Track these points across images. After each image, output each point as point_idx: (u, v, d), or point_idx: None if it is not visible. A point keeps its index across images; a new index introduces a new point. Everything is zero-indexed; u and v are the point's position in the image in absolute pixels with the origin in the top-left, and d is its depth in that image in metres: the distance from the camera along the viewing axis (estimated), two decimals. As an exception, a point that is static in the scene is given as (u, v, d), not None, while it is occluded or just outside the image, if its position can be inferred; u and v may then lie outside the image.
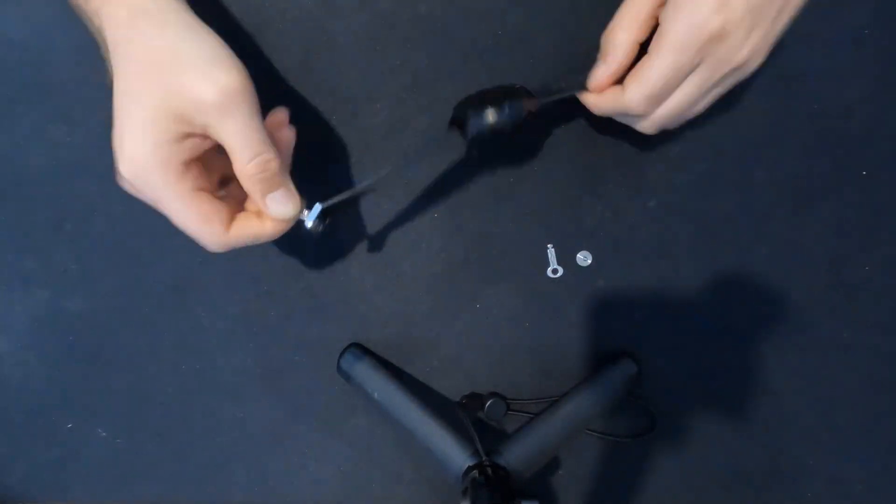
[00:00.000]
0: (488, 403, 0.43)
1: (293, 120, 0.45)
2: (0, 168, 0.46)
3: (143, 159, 0.31)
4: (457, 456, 0.41)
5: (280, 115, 0.38)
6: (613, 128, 0.41)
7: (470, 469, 0.40)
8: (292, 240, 0.41)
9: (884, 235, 0.44)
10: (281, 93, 0.44)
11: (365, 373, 0.44)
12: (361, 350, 0.46)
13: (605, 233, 0.45)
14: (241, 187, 0.34)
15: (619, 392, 0.44)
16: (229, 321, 0.47)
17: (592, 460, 0.46)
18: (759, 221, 0.44)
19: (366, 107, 0.44)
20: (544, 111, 0.39)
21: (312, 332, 0.46)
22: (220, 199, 0.35)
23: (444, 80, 0.44)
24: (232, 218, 0.35)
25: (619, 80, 0.36)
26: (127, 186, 0.33)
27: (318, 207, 0.36)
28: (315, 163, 0.44)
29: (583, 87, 0.38)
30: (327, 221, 0.37)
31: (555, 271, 0.45)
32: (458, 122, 0.39)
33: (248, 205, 0.37)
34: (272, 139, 0.34)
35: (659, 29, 0.34)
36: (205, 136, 0.32)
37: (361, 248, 0.45)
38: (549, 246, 0.45)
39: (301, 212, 0.35)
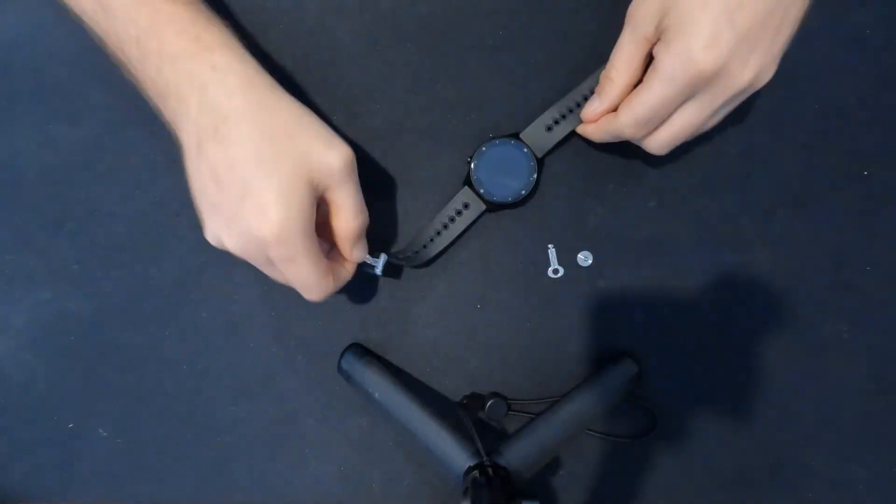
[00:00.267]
0: (489, 403, 0.43)
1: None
2: (2, 168, 0.46)
3: (291, 224, 0.33)
4: (457, 456, 0.41)
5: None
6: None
7: (470, 469, 0.39)
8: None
9: (885, 235, 0.44)
10: (281, 93, 0.44)
11: (365, 373, 0.44)
12: (362, 350, 0.46)
13: (606, 233, 0.45)
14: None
15: (620, 392, 0.44)
16: (230, 321, 0.47)
17: (593, 460, 0.46)
18: (759, 221, 0.44)
19: (366, 107, 0.45)
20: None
21: (313, 333, 0.46)
22: None
23: (444, 81, 0.44)
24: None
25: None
26: (245, 247, 0.34)
27: (384, 258, 0.41)
28: (315, 163, 0.44)
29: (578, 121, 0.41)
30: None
31: (555, 271, 0.45)
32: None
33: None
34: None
35: (653, 62, 0.35)
36: (322, 200, 0.36)
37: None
38: (549, 246, 0.45)
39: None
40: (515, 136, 0.43)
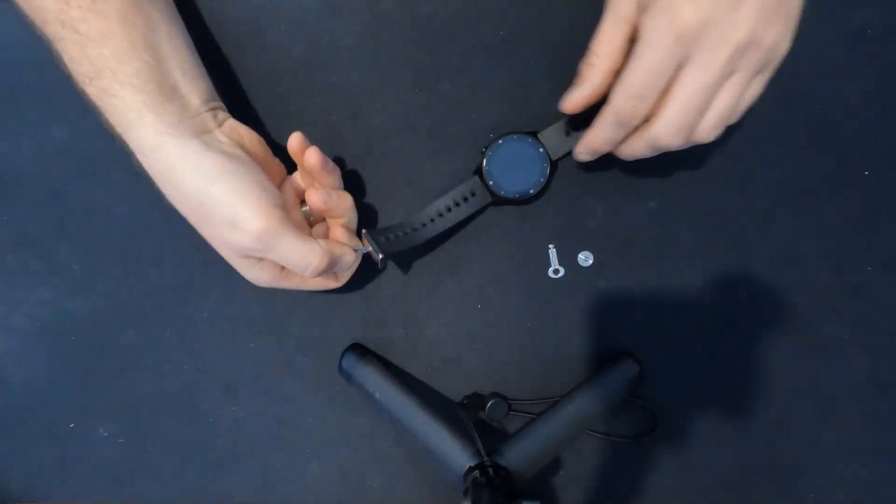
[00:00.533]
0: (489, 404, 0.43)
1: (294, 119, 0.46)
2: (2, 168, 0.46)
3: (263, 282, 0.39)
4: (458, 456, 0.41)
5: (295, 140, 0.40)
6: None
7: (471, 469, 0.40)
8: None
9: (886, 235, 0.44)
10: (282, 92, 0.44)
11: (366, 373, 0.44)
12: (363, 350, 0.46)
13: (607, 233, 0.45)
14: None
15: (621, 392, 0.44)
16: (231, 321, 0.47)
17: (594, 461, 0.46)
18: (760, 222, 0.44)
19: (367, 107, 0.45)
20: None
21: (314, 332, 0.46)
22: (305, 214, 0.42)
23: (445, 81, 0.44)
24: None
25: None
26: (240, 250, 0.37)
27: (376, 245, 0.40)
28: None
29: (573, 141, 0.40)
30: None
31: (556, 271, 0.45)
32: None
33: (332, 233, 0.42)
34: (301, 165, 0.41)
35: (638, 36, 0.33)
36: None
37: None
38: (550, 246, 0.45)
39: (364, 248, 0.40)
40: (533, 134, 0.43)
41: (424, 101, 0.44)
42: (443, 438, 0.42)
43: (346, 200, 0.41)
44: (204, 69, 0.39)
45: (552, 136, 0.43)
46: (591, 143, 0.37)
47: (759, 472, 0.46)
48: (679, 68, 0.32)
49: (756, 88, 0.34)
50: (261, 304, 0.46)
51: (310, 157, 0.38)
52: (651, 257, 0.45)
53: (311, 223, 0.43)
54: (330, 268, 0.38)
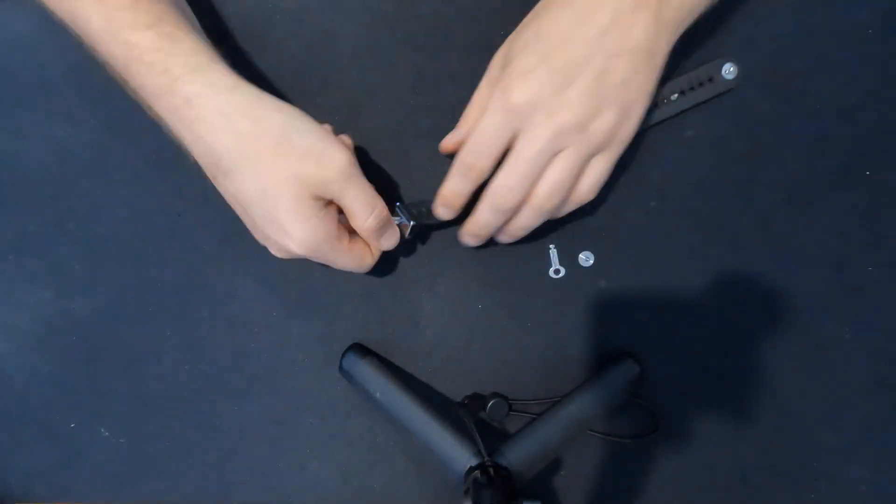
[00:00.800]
0: (490, 404, 0.43)
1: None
2: (3, 168, 0.46)
3: (312, 239, 0.36)
4: (459, 456, 0.41)
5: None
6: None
7: (472, 469, 0.40)
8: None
9: (887, 236, 0.44)
10: (283, 93, 0.44)
11: (367, 373, 0.44)
12: (363, 350, 0.46)
13: (607, 233, 0.45)
14: None
15: (622, 393, 0.44)
16: (231, 321, 0.47)
17: (594, 461, 0.46)
18: (761, 222, 0.44)
19: (367, 107, 0.45)
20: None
21: (314, 333, 0.47)
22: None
23: (445, 81, 0.44)
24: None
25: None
26: (286, 256, 0.38)
27: (410, 224, 0.41)
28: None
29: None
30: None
31: (557, 272, 0.45)
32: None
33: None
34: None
35: None
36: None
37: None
38: (550, 246, 0.45)
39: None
40: None
41: (424, 102, 0.44)
42: (443, 438, 0.42)
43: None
44: None
45: None
46: (447, 199, 0.40)
47: (760, 472, 0.46)
48: (515, 137, 0.36)
49: (599, 167, 0.37)
50: (262, 304, 0.46)
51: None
52: (652, 257, 0.45)
53: None
54: (384, 227, 0.39)
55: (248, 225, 0.38)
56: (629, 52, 0.34)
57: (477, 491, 0.37)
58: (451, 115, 0.44)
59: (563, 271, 0.45)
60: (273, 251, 0.39)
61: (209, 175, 0.37)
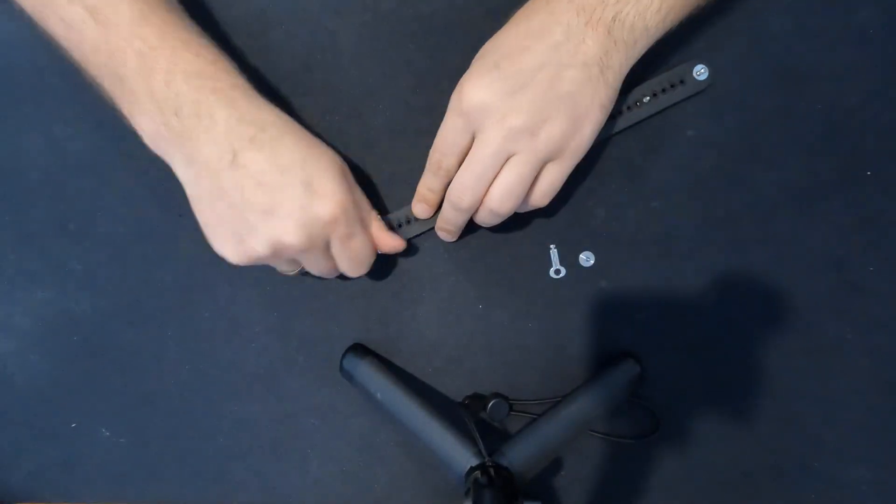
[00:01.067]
0: (491, 404, 0.43)
1: (295, 119, 0.45)
2: (3, 168, 0.46)
3: (350, 203, 0.38)
4: (459, 456, 0.41)
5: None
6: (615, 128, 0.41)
7: (472, 470, 0.40)
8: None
9: (888, 235, 0.44)
10: (283, 92, 0.44)
11: (367, 373, 0.44)
12: (364, 350, 0.46)
13: (608, 233, 0.45)
14: None
15: (622, 393, 0.44)
16: (232, 321, 0.47)
17: (595, 461, 0.46)
18: (762, 221, 0.44)
19: (368, 107, 0.45)
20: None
21: (315, 333, 0.47)
22: None
23: (446, 81, 0.44)
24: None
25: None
26: (309, 235, 0.37)
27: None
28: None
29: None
30: None
31: (557, 272, 0.45)
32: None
33: None
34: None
35: None
36: None
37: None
38: (551, 246, 0.45)
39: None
40: None
41: (425, 102, 0.44)
42: (444, 439, 0.42)
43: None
44: None
45: None
46: (422, 195, 0.43)
47: (761, 472, 0.46)
48: (474, 138, 0.37)
49: (551, 176, 0.38)
50: (263, 304, 0.46)
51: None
52: (652, 257, 0.45)
53: None
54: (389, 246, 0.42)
55: (258, 210, 0.36)
56: (581, 65, 0.35)
57: (477, 491, 0.37)
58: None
59: (563, 271, 0.45)
60: (257, 243, 0.37)
61: (224, 155, 0.35)
